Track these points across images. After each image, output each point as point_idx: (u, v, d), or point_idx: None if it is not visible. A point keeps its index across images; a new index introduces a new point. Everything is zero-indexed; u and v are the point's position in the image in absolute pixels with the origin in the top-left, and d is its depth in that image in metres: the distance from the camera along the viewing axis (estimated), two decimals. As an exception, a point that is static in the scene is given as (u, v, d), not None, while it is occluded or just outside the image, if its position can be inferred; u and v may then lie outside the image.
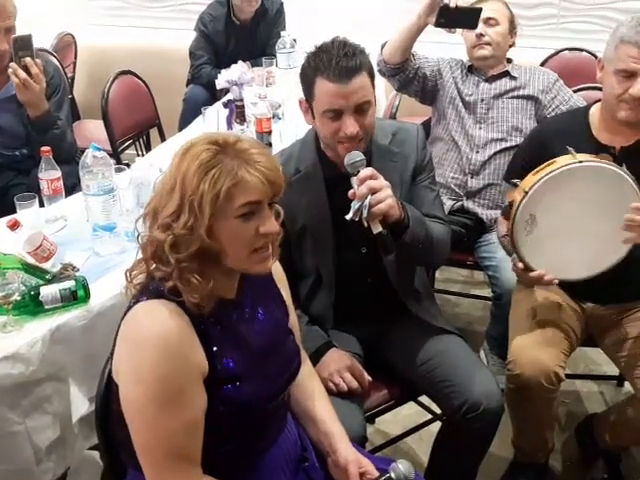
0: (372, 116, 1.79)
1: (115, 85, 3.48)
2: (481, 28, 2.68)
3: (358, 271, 1.94)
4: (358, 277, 1.94)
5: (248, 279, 1.41)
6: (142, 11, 4.89)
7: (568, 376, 2.02)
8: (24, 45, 2.56)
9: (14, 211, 2.11)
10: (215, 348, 1.30)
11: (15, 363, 1.64)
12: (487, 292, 2.92)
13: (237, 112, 2.95)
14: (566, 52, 3.86)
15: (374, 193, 1.64)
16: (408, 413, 2.25)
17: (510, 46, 2.81)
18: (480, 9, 2.59)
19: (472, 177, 2.75)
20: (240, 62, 3.24)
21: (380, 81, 2.65)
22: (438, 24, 2.51)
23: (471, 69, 2.83)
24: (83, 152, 2.22)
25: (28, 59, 2.55)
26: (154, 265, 1.30)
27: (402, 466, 1.44)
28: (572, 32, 4.12)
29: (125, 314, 1.30)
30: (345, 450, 1.50)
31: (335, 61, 1.70)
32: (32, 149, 2.69)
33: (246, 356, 1.35)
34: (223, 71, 3.09)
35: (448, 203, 2.75)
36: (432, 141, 2.85)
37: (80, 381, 1.80)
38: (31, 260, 1.86)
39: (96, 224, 2.06)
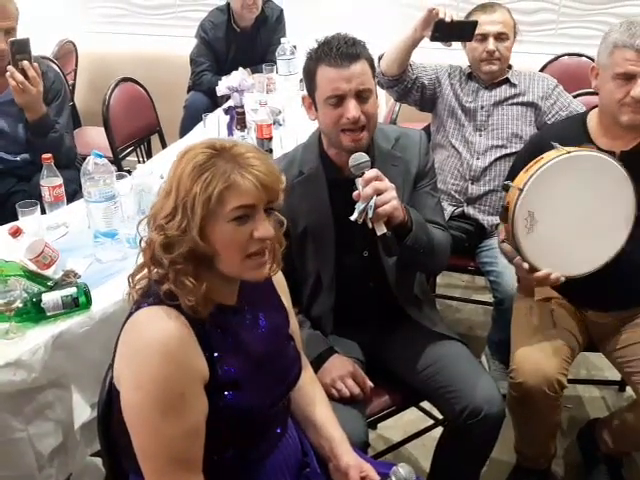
0: (374, 106, 1.79)
1: (116, 92, 3.49)
2: (493, 44, 2.68)
3: (359, 275, 1.94)
4: (359, 281, 1.94)
5: (249, 286, 1.41)
6: (143, 18, 4.91)
7: (570, 381, 2.01)
8: (21, 48, 2.58)
9: (16, 218, 2.11)
10: (216, 354, 1.30)
11: (17, 370, 1.65)
12: (488, 297, 2.92)
13: (238, 118, 2.95)
14: (565, 57, 3.87)
15: (379, 194, 1.64)
16: (410, 419, 2.24)
17: None
18: (476, 22, 2.61)
19: (472, 183, 2.76)
20: (240, 69, 3.25)
21: (380, 90, 2.66)
22: (434, 38, 2.54)
23: (470, 76, 2.84)
24: (84, 159, 2.23)
25: (25, 62, 2.57)
26: (155, 270, 1.31)
27: (403, 470, 1.44)
28: (571, 37, 4.13)
29: (126, 320, 1.30)
30: (346, 455, 1.50)
31: (336, 48, 1.73)
32: (33, 155, 2.70)
33: (246, 362, 1.35)
34: (224, 78, 3.10)
35: (449, 209, 2.75)
36: (432, 148, 2.86)
37: (82, 387, 1.80)
38: (33, 267, 1.87)
39: (97, 231, 2.06)
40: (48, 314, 1.75)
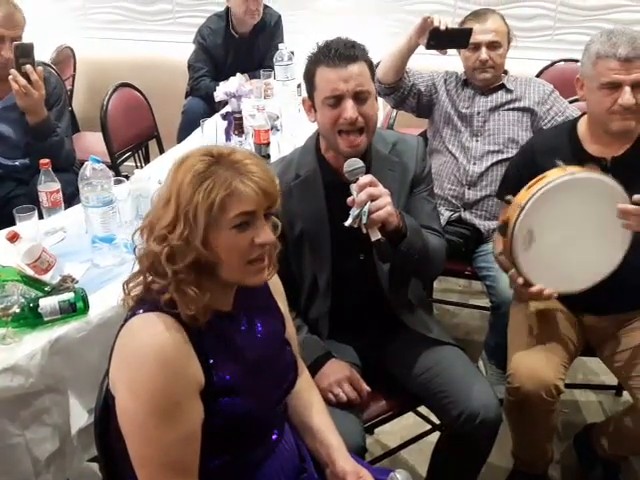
0: (372, 108, 1.80)
1: (114, 97, 3.49)
2: (485, 53, 2.69)
3: (356, 278, 1.94)
4: (356, 284, 1.94)
5: (244, 291, 1.41)
6: (141, 24, 4.91)
7: (567, 386, 2.02)
8: (25, 52, 2.59)
9: (14, 222, 2.11)
10: (211, 361, 1.30)
11: (14, 375, 1.64)
12: (485, 302, 2.92)
13: (235, 124, 2.96)
14: (562, 63, 3.88)
15: (373, 200, 1.65)
16: (407, 424, 2.24)
17: None
18: (471, 29, 2.62)
19: (469, 188, 2.76)
20: (238, 74, 3.26)
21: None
22: (429, 46, 2.57)
23: (466, 82, 2.84)
24: (82, 164, 2.23)
25: (28, 66, 2.58)
26: (151, 277, 1.30)
27: (400, 476, 1.45)
28: (568, 43, 4.13)
29: (122, 326, 1.30)
30: (343, 461, 1.50)
31: (334, 49, 1.75)
32: (33, 159, 2.70)
33: (242, 368, 1.35)
34: (221, 83, 3.11)
35: (446, 214, 2.76)
36: (429, 153, 2.85)
37: (79, 393, 1.79)
38: (30, 272, 1.87)
39: (95, 236, 2.06)
40: (45, 319, 1.74)
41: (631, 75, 1.88)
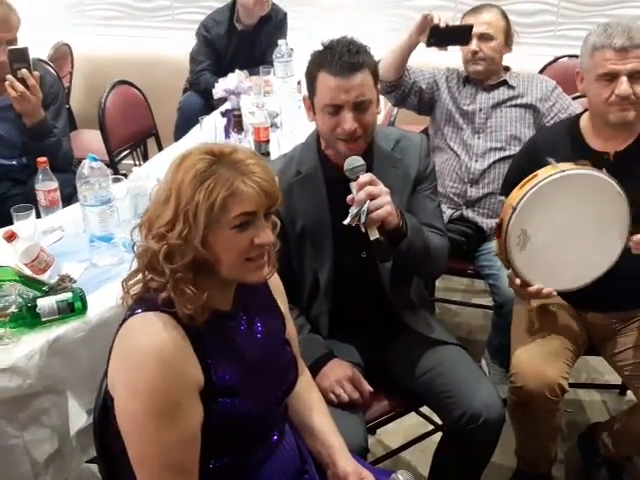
0: (372, 115, 1.79)
1: (112, 95, 3.47)
2: (475, 44, 2.69)
3: (357, 276, 1.92)
4: (357, 282, 1.93)
5: (244, 290, 1.40)
6: (139, 21, 4.89)
7: (570, 385, 2.01)
8: (20, 57, 2.57)
9: (11, 222, 2.10)
10: (210, 360, 1.29)
11: (12, 376, 1.63)
12: (488, 301, 2.91)
13: (235, 121, 2.94)
14: (565, 59, 3.86)
15: (373, 199, 1.63)
16: (409, 424, 2.23)
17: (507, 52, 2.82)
18: (471, 26, 2.63)
19: (471, 186, 2.75)
20: (237, 71, 3.23)
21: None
22: (429, 44, 2.58)
23: (468, 79, 2.83)
24: (80, 162, 2.21)
25: (24, 71, 2.56)
26: (148, 275, 1.29)
27: (403, 477, 1.45)
28: (570, 39, 4.11)
29: (120, 326, 1.29)
30: (345, 462, 1.49)
31: (338, 56, 1.72)
32: (30, 158, 2.69)
33: (242, 368, 1.34)
34: (220, 80, 3.09)
35: (448, 212, 2.74)
36: (431, 151, 2.85)
37: (78, 394, 1.78)
38: (28, 272, 1.85)
39: (93, 235, 2.05)
40: (43, 319, 1.73)
41: (627, 65, 1.87)
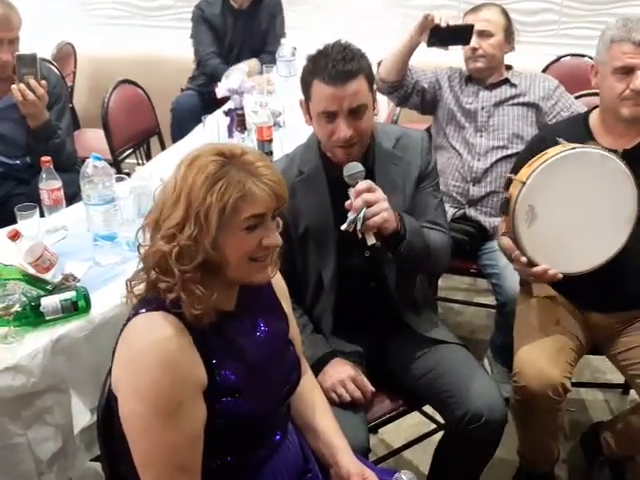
0: (368, 120, 1.79)
1: (115, 94, 3.48)
2: (475, 41, 2.70)
3: (360, 275, 1.92)
4: (360, 281, 1.93)
5: (247, 291, 1.40)
6: (142, 20, 4.90)
7: (573, 384, 2.00)
8: (28, 63, 2.57)
9: (14, 221, 2.10)
10: (214, 360, 1.29)
11: (16, 374, 1.64)
12: (490, 300, 2.91)
13: (238, 120, 2.94)
14: (567, 58, 3.87)
15: (369, 206, 1.65)
16: (411, 423, 2.23)
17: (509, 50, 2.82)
18: (472, 25, 2.64)
19: (474, 185, 2.75)
20: (242, 65, 3.22)
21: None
22: (430, 44, 2.60)
23: (470, 78, 2.83)
24: (83, 161, 2.22)
25: (33, 81, 2.56)
26: (155, 276, 1.29)
27: (405, 476, 1.45)
28: (573, 38, 4.12)
29: (124, 326, 1.29)
30: (347, 461, 1.49)
31: (332, 64, 1.71)
32: (33, 158, 2.69)
33: (245, 368, 1.34)
34: (223, 79, 3.09)
35: (450, 211, 2.74)
36: (433, 149, 2.85)
37: (81, 392, 1.79)
38: (32, 271, 1.86)
39: (97, 234, 2.05)
40: (47, 318, 1.73)
41: None
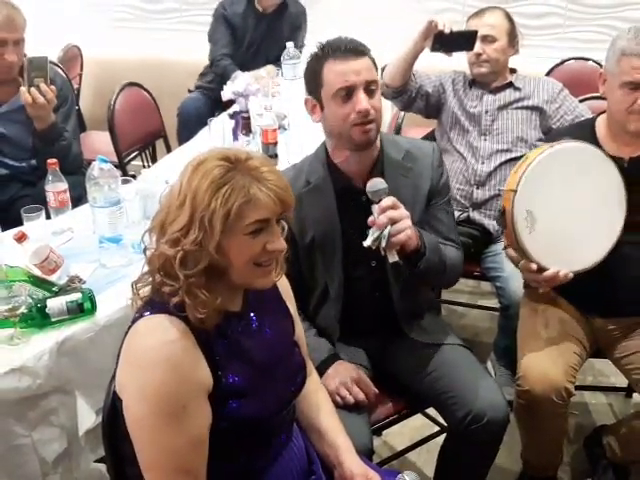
0: (380, 100, 1.80)
1: (121, 97, 3.49)
2: (479, 47, 2.71)
3: (366, 284, 1.93)
4: (366, 290, 1.93)
5: (253, 292, 1.41)
6: (148, 23, 4.92)
7: (576, 387, 2.00)
8: (38, 66, 2.57)
9: (20, 223, 2.11)
10: (219, 363, 1.30)
11: (22, 376, 1.64)
12: (494, 303, 2.90)
13: (243, 123, 2.95)
14: (572, 61, 3.85)
15: (394, 223, 1.64)
16: (415, 425, 2.23)
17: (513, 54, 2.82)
18: (475, 31, 2.65)
19: (478, 188, 2.75)
20: (246, 73, 3.23)
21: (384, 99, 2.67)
22: (434, 49, 2.61)
23: (474, 81, 2.84)
24: (89, 163, 2.23)
25: (43, 85, 2.56)
26: (160, 279, 1.30)
27: (409, 477, 1.44)
28: (578, 41, 4.12)
29: (129, 329, 1.30)
30: (352, 463, 1.50)
31: (344, 45, 1.75)
32: (39, 161, 2.70)
33: (251, 370, 1.35)
34: (229, 82, 3.10)
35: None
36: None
37: (86, 394, 1.79)
38: (38, 272, 1.86)
39: (102, 236, 2.06)
40: (53, 320, 1.74)
41: None
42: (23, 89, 2.57)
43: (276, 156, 2.80)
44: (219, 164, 1.26)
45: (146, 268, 1.33)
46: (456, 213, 2.75)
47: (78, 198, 2.47)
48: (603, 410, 2.70)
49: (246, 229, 1.26)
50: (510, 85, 2.79)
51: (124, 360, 1.28)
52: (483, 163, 2.76)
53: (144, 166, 3.60)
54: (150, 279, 1.32)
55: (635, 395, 2.64)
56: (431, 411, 2.06)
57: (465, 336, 3.00)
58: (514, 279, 2.43)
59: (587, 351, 2.09)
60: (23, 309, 1.72)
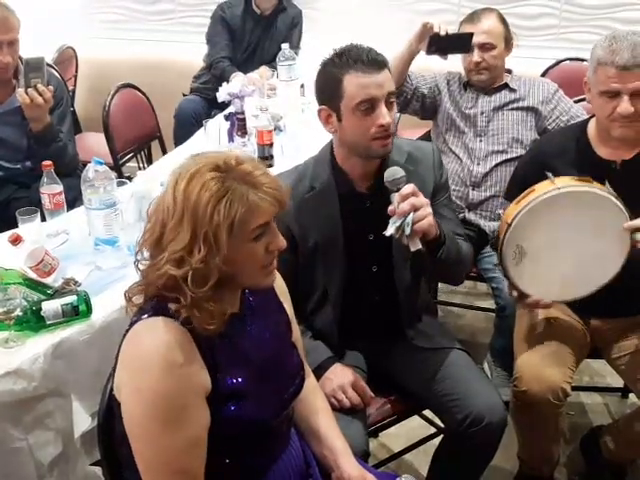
0: (395, 112, 1.79)
1: (116, 98, 3.48)
2: (478, 55, 2.70)
3: (366, 289, 1.93)
4: (366, 295, 1.93)
5: (250, 293, 1.41)
6: (143, 24, 4.90)
7: (572, 388, 2.00)
8: (35, 67, 2.57)
9: (15, 225, 2.10)
10: (218, 364, 1.30)
11: (17, 379, 1.64)
12: (490, 304, 2.91)
13: (238, 125, 2.94)
14: (567, 62, 3.86)
15: (416, 210, 1.63)
16: (412, 427, 2.23)
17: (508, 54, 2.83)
18: (471, 34, 2.64)
19: (473, 189, 2.75)
20: (241, 74, 3.23)
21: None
22: (430, 52, 2.61)
23: (469, 82, 2.84)
24: (84, 165, 2.22)
25: (41, 86, 2.57)
26: (161, 294, 1.28)
27: (407, 481, 1.44)
28: (573, 42, 4.12)
29: (127, 331, 1.29)
30: (349, 465, 1.50)
31: (366, 55, 1.72)
32: (34, 162, 2.70)
33: (249, 371, 1.35)
34: (224, 84, 3.10)
35: (450, 215, 2.74)
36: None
37: (82, 396, 1.79)
38: (33, 275, 1.86)
39: (98, 238, 2.06)
40: (48, 322, 1.73)
41: (629, 84, 1.84)
42: (20, 90, 2.57)
43: (272, 157, 2.80)
44: (213, 176, 1.24)
45: (138, 279, 1.32)
46: (452, 214, 2.76)
47: (73, 200, 2.47)
48: (599, 410, 2.70)
49: (250, 236, 1.26)
50: (505, 86, 2.79)
51: (122, 362, 1.28)
52: (479, 164, 2.76)
53: (139, 167, 3.59)
54: (143, 290, 1.31)
55: (631, 395, 2.64)
56: (428, 413, 2.07)
57: (461, 337, 3.00)
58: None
59: (583, 351, 2.10)
60: (18, 312, 1.71)
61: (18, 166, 2.82)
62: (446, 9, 4.17)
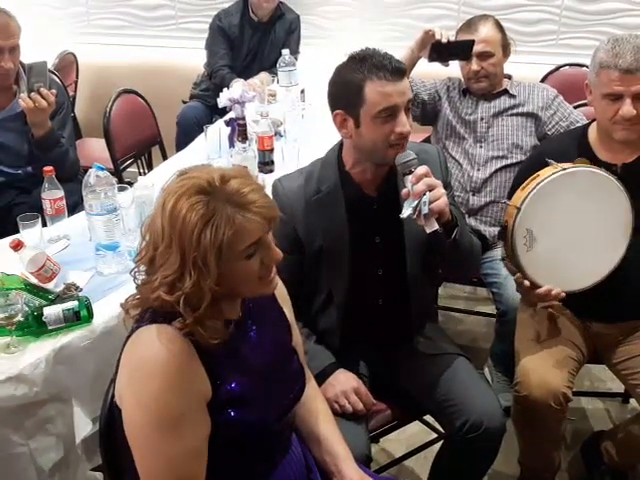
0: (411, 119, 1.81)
1: (117, 103, 3.49)
2: (476, 64, 2.71)
3: (371, 293, 1.93)
4: (370, 299, 1.93)
5: (251, 299, 1.41)
6: (144, 29, 4.91)
7: (573, 393, 2.00)
8: (38, 72, 2.58)
9: (17, 230, 2.11)
10: (218, 371, 1.29)
11: (19, 384, 1.64)
12: (491, 309, 2.91)
13: (239, 130, 2.95)
14: (566, 68, 3.88)
15: (431, 190, 1.64)
16: (413, 432, 2.23)
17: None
18: (472, 41, 2.65)
19: (473, 195, 2.76)
20: (241, 80, 3.23)
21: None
22: (431, 59, 2.63)
23: (469, 88, 2.84)
24: (85, 171, 2.22)
25: (44, 90, 2.57)
26: (162, 312, 1.28)
27: (407, 487, 1.44)
28: (572, 48, 4.13)
29: (127, 338, 1.30)
30: (350, 470, 1.49)
31: (388, 62, 1.72)
32: (36, 168, 2.70)
33: (250, 378, 1.34)
34: (225, 90, 3.10)
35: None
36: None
37: (83, 402, 1.79)
38: (34, 280, 1.86)
39: (99, 243, 2.06)
40: (49, 328, 1.74)
41: (631, 87, 1.86)
42: (23, 95, 2.58)
43: (272, 163, 2.81)
44: (198, 200, 1.21)
45: (135, 291, 1.32)
46: (452, 219, 2.77)
47: (74, 205, 2.47)
48: (600, 416, 2.70)
49: (241, 255, 1.25)
50: (505, 92, 2.79)
51: (123, 369, 1.28)
52: (479, 170, 2.76)
53: (140, 173, 3.60)
54: (138, 302, 1.31)
55: (632, 401, 2.64)
56: (428, 418, 2.06)
57: (462, 342, 3.00)
58: (511, 285, 2.41)
59: (584, 356, 2.10)
60: (19, 317, 1.71)
61: (19, 171, 2.82)
62: (446, 15, 4.19)
